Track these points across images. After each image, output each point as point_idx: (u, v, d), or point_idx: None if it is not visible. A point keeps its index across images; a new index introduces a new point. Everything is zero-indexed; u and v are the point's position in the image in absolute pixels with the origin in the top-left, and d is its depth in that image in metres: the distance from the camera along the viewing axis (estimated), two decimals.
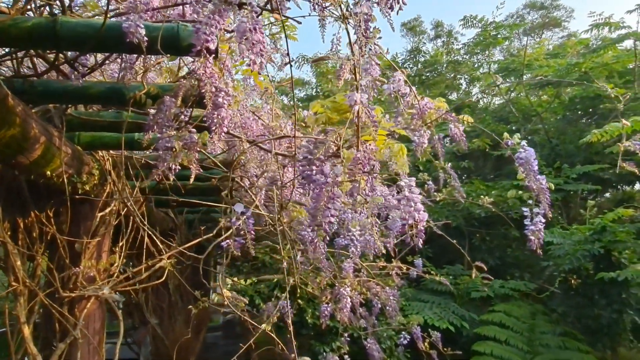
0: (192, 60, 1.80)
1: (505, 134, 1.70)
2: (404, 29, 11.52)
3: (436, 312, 4.66)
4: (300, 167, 1.35)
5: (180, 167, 1.66)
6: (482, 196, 3.44)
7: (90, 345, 2.39)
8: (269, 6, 1.24)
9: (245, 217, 1.18)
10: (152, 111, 1.79)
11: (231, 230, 1.30)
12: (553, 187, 1.57)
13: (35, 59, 1.93)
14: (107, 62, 1.82)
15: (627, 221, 4.27)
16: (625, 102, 5.69)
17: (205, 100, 1.58)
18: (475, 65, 9.66)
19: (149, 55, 1.84)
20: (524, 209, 1.57)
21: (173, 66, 2.39)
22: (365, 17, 1.01)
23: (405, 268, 3.57)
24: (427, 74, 9.72)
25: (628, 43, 5.96)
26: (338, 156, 1.35)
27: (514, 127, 7.40)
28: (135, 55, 1.87)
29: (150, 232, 2.67)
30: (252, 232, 1.24)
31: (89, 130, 2.26)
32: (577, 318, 4.37)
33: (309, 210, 1.13)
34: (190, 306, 4.90)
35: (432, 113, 1.70)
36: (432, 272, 3.92)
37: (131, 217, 2.80)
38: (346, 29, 1.13)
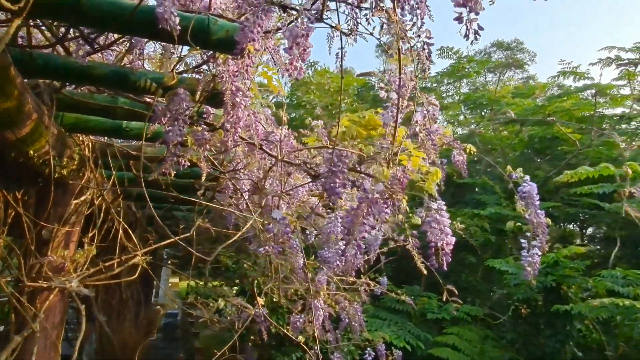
0: (206, 55, 1.75)
1: (509, 167, 1.77)
2: (378, 50, 11.82)
3: (394, 330, 4.74)
4: (324, 179, 1.34)
5: (189, 164, 1.60)
6: (455, 222, 3.55)
7: (48, 339, 2.22)
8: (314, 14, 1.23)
9: (281, 223, 1.15)
10: (161, 101, 1.72)
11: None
12: (550, 223, 1.65)
13: (32, 29, 1.80)
14: (115, 44, 1.72)
15: (575, 258, 4.56)
16: (581, 147, 6.07)
17: (224, 99, 1.54)
18: (443, 95, 10.02)
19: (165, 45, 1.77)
20: (522, 240, 1.63)
21: (172, 59, 2.31)
22: (427, 40, 1.03)
23: (373, 285, 3.61)
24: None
25: (589, 92, 6.44)
26: (357, 171, 1.35)
27: (475, 158, 7.75)
28: (145, 40, 1.79)
29: (125, 226, 2.54)
30: (288, 234, 1.21)
31: (78, 112, 2.12)
32: (524, 345, 4.59)
33: (342, 224, 1.12)
34: (140, 305, 4.69)
35: (441, 138, 1.75)
36: (394, 291, 3.97)
37: (103, 208, 2.65)
38: (398, 49, 1.14)
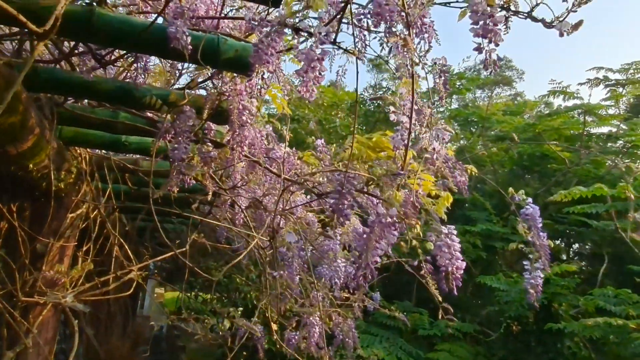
0: (213, 73, 1.76)
1: (511, 189, 1.79)
2: (370, 65, 11.96)
3: (385, 347, 4.72)
4: (332, 200, 1.34)
5: (195, 181, 1.59)
6: None
7: (41, 355, 2.17)
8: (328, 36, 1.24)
9: (295, 246, 1.15)
10: (168, 118, 1.72)
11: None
12: (552, 245, 1.67)
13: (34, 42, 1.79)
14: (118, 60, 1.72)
15: (566, 275, 4.61)
16: (570, 166, 6.19)
17: (231, 117, 1.55)
18: (433, 111, 10.12)
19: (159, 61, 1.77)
20: (525, 262, 1.65)
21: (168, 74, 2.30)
22: (443, 69, 1.05)
23: (367, 300, 3.60)
24: (387, 112, 10.04)
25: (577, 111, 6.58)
26: (368, 194, 1.36)
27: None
28: (151, 57, 1.80)
29: (121, 240, 2.50)
30: (302, 258, 1.21)
31: (78, 126, 2.11)
32: None
33: (355, 247, 1.12)
34: (128, 318, 4.61)
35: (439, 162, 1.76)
36: (387, 307, 3.96)
37: (98, 222, 2.62)
38: (412, 74, 1.15)
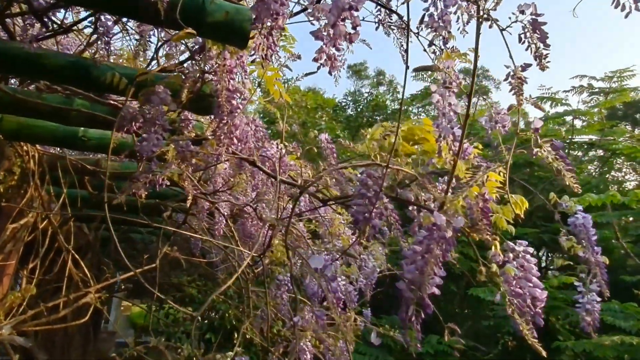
0: (195, 45, 1.40)
1: (553, 195, 1.50)
2: (350, 71, 11.74)
3: None
4: (355, 207, 1.01)
5: (169, 183, 1.23)
6: None
7: None
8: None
9: (325, 272, 0.81)
10: (132, 104, 1.35)
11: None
12: (607, 261, 1.38)
13: None
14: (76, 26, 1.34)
15: (564, 288, 4.40)
16: (557, 174, 6.07)
17: (219, 101, 1.20)
18: (414, 118, 9.98)
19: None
20: (576, 283, 1.35)
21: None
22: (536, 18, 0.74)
23: (360, 319, 3.27)
24: (368, 117, 9.86)
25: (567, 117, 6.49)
26: (414, 203, 1.03)
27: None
28: (113, 21, 1.42)
29: (76, 257, 2.08)
30: (337, 292, 0.87)
31: (20, 114, 1.71)
32: None
33: (404, 274, 0.79)
34: (88, 339, 4.11)
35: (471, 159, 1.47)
36: (377, 324, 3.64)
37: (49, 233, 2.19)
38: (477, 26, 0.84)
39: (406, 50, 0.94)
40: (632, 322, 3.52)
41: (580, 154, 7.92)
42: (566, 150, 6.74)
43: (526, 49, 0.70)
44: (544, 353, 0.76)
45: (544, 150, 0.79)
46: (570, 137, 6.28)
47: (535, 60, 0.70)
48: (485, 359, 4.42)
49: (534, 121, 0.84)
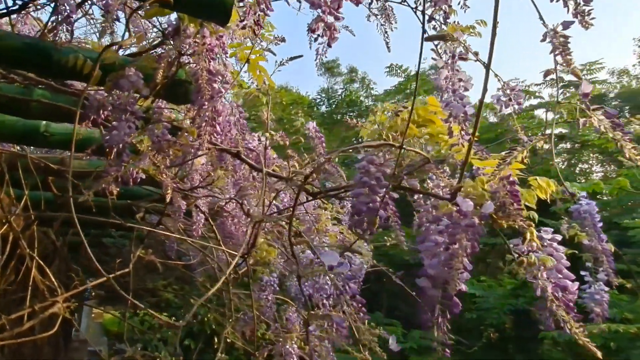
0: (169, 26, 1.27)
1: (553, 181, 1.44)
2: (322, 68, 11.63)
3: None
4: (354, 198, 0.91)
5: (144, 176, 1.10)
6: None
7: None
8: None
9: (341, 268, 0.71)
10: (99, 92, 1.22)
11: None
12: (613, 249, 1.33)
13: None
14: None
15: None
16: (533, 166, 6.12)
17: (200, 84, 1.08)
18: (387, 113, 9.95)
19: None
20: (583, 273, 1.30)
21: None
22: None
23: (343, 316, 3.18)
24: (343, 113, 9.80)
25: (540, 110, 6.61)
26: (423, 192, 0.94)
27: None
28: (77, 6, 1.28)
29: (40, 263, 1.91)
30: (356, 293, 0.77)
31: None
32: None
33: (425, 272, 0.69)
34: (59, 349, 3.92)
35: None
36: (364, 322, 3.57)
37: (10, 239, 2.01)
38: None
39: (423, 21, 0.84)
40: (616, 310, 3.57)
41: (550, 146, 8.08)
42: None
43: (564, 6, 0.61)
44: (599, 354, 0.67)
45: (594, 119, 0.70)
46: (543, 129, 6.38)
47: (577, 17, 0.62)
48: (470, 352, 4.41)
49: (581, 85, 0.76)
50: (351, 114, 9.33)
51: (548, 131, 0.95)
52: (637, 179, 3.46)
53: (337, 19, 0.81)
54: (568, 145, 8.19)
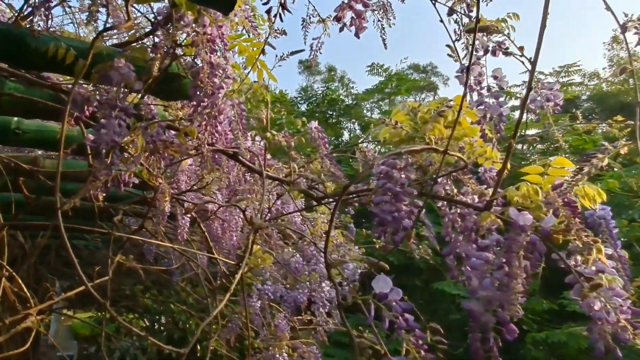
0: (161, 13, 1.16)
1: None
2: (301, 66, 11.55)
3: None
4: (377, 205, 0.82)
5: (137, 180, 0.98)
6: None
7: None
8: None
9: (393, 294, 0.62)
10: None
11: None
12: (627, 255, 1.29)
13: None
14: None
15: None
16: (514, 164, 6.27)
17: (200, 77, 0.97)
18: (367, 113, 9.98)
19: None
20: None
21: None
22: None
23: (331, 322, 3.10)
24: (324, 112, 9.72)
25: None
26: (460, 202, 0.86)
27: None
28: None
29: (10, 271, 1.75)
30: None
31: None
32: None
33: (476, 290, 0.61)
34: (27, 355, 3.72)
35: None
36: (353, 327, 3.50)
37: None
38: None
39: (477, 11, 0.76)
40: None
41: (525, 147, 8.24)
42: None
43: None
44: None
45: None
46: (523, 130, 6.49)
47: None
48: (456, 353, 4.40)
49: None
50: (332, 112, 9.28)
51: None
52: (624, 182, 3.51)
53: (366, 5, 0.72)
54: (544, 146, 8.35)
